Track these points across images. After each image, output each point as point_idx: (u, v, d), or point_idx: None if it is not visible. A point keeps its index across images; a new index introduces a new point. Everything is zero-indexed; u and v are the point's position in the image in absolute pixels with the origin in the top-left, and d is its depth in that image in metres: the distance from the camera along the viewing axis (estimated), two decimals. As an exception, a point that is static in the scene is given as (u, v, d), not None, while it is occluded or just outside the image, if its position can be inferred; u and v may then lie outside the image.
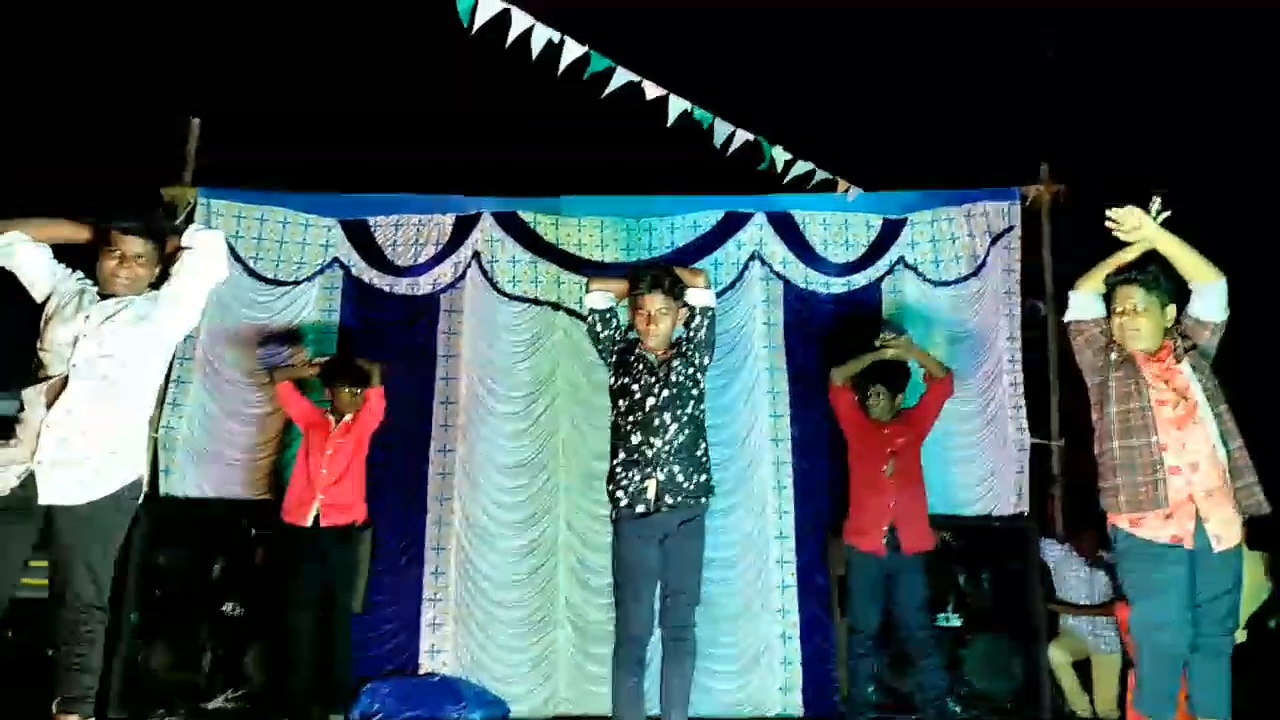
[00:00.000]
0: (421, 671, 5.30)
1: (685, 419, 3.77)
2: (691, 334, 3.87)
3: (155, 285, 3.42)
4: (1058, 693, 5.38)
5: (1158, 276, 3.55)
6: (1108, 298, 3.65)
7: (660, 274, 3.86)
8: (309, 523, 4.86)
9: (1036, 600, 5.08)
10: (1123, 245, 3.62)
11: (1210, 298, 3.53)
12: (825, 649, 5.37)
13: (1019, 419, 5.44)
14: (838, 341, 5.62)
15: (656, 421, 3.73)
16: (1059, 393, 5.61)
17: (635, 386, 3.79)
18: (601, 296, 3.94)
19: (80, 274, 3.42)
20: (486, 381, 5.67)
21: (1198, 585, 3.41)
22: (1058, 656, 5.34)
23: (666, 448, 3.70)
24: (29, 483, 3.13)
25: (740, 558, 5.42)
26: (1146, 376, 3.52)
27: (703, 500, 3.79)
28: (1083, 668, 5.44)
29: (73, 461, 3.16)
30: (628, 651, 3.68)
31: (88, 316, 3.28)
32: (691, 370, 3.83)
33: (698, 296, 3.87)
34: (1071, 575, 5.49)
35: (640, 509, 3.67)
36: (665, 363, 3.82)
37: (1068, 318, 3.78)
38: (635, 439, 3.72)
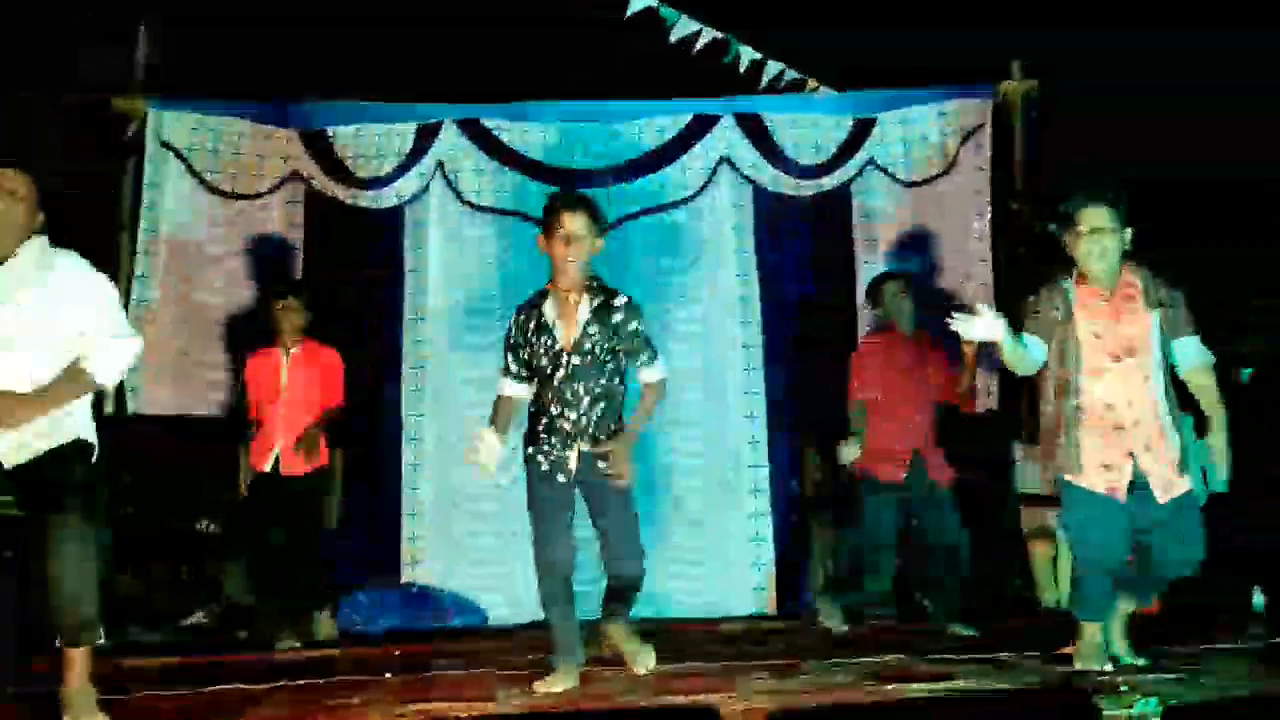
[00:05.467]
0: (402, 582, 5.34)
1: (601, 388, 3.59)
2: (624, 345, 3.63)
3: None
4: (1031, 585, 5.50)
5: (1119, 196, 3.53)
6: (1068, 220, 3.59)
7: (584, 198, 3.68)
8: (268, 469, 4.78)
9: (1006, 496, 5.16)
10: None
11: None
12: (797, 551, 5.47)
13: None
14: (808, 245, 5.63)
15: (569, 394, 3.55)
16: (1031, 293, 5.60)
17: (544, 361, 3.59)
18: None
19: None
20: (456, 295, 5.60)
21: (1142, 521, 3.50)
22: (1039, 552, 5.46)
23: (584, 419, 3.54)
24: None
25: (709, 463, 5.46)
26: (1078, 311, 3.52)
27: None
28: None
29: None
30: (554, 582, 3.55)
31: None
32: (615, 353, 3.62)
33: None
34: (1032, 470, 5.59)
35: (561, 479, 3.55)
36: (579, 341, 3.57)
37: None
38: (554, 410, 3.55)
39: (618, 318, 3.59)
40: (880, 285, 4.83)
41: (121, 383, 5.25)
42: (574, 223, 3.53)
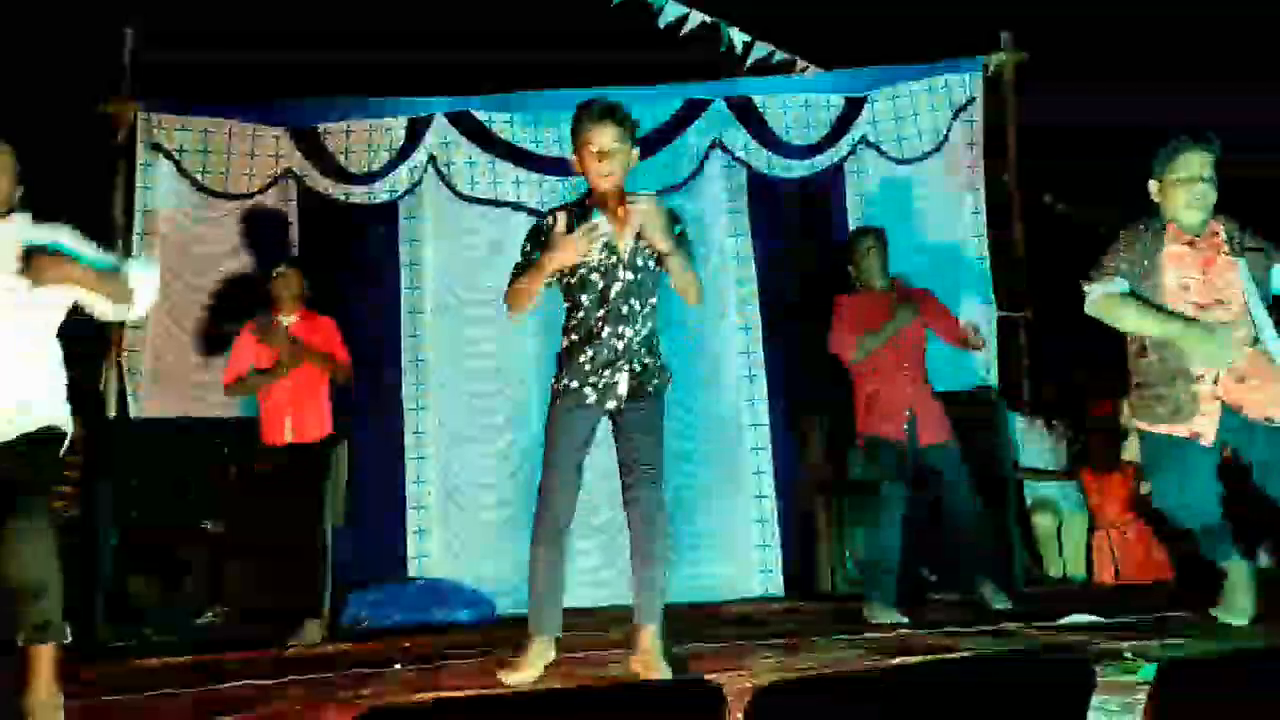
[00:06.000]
0: (408, 577, 5.35)
1: (651, 305, 3.33)
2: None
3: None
4: (1035, 559, 5.53)
5: (1218, 142, 3.38)
6: (1163, 166, 3.44)
7: (611, 104, 3.25)
8: (285, 440, 4.82)
9: (1006, 472, 5.16)
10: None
11: None
12: (805, 532, 5.48)
13: (985, 293, 5.47)
14: (803, 227, 5.63)
15: (624, 309, 3.25)
16: (1026, 267, 5.63)
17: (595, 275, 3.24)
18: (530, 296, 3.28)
19: None
20: (453, 288, 5.62)
21: (1252, 456, 3.39)
22: (1043, 523, 5.49)
23: (636, 338, 3.26)
24: None
25: (712, 447, 5.47)
26: (1166, 261, 3.38)
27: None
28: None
29: None
30: (548, 530, 3.25)
31: None
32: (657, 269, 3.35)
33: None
34: (1035, 446, 5.61)
35: (611, 405, 3.26)
36: (634, 253, 3.26)
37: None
38: (604, 331, 3.23)
39: (662, 224, 3.24)
40: (852, 242, 4.71)
41: (123, 386, 5.31)
42: (603, 136, 3.18)
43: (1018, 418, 5.60)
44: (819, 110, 5.68)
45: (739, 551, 5.42)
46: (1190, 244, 3.40)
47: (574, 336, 3.31)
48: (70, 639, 2.93)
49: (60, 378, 3.13)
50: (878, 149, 5.64)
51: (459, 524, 5.44)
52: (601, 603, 4.94)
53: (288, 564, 4.73)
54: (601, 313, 3.25)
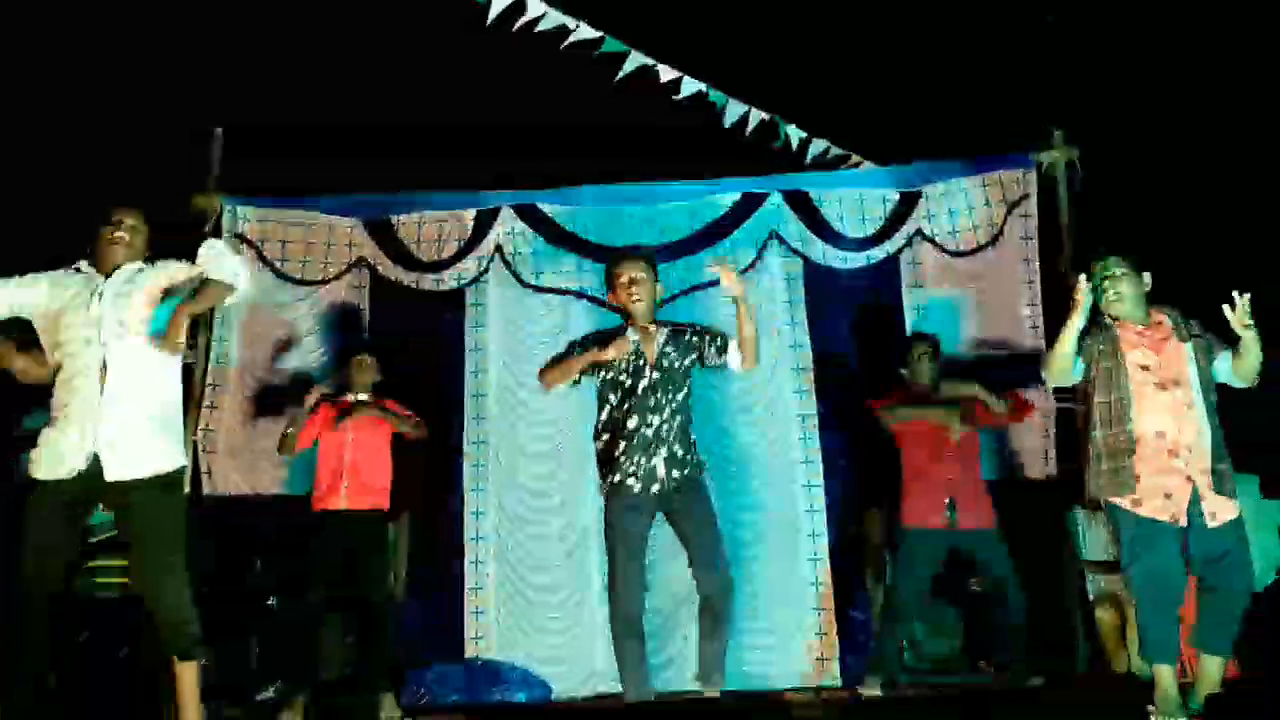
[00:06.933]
0: (466, 657, 5.39)
1: (679, 402, 4.02)
2: (697, 347, 4.12)
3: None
4: (1100, 652, 5.40)
5: (1124, 254, 3.80)
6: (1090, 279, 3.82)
7: (636, 250, 4.31)
8: (340, 506, 4.94)
9: (1067, 563, 5.10)
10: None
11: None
12: (862, 619, 5.44)
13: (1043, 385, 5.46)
14: (859, 317, 5.71)
15: (653, 401, 3.94)
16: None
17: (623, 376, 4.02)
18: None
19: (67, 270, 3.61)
20: (514, 372, 5.76)
21: (1197, 553, 3.59)
22: (1106, 618, 5.38)
23: (665, 426, 3.91)
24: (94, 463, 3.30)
25: (768, 534, 5.47)
26: (1124, 347, 3.69)
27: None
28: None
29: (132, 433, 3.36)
30: (626, 623, 3.85)
31: (100, 294, 3.45)
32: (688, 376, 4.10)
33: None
34: (1095, 536, 5.53)
35: (656, 490, 3.87)
36: (659, 357, 4.05)
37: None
38: (633, 423, 3.91)
39: (690, 333, 4.15)
40: (906, 347, 5.04)
41: (196, 464, 5.48)
42: (633, 269, 4.08)
43: (1079, 510, 5.53)
44: (873, 203, 5.77)
45: (796, 639, 5.37)
46: (1139, 333, 3.74)
47: (605, 436, 3.99)
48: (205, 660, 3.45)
49: (179, 417, 3.58)
50: (933, 242, 5.70)
51: (516, 605, 5.48)
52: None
53: (340, 641, 4.79)
54: (627, 405, 3.92)
